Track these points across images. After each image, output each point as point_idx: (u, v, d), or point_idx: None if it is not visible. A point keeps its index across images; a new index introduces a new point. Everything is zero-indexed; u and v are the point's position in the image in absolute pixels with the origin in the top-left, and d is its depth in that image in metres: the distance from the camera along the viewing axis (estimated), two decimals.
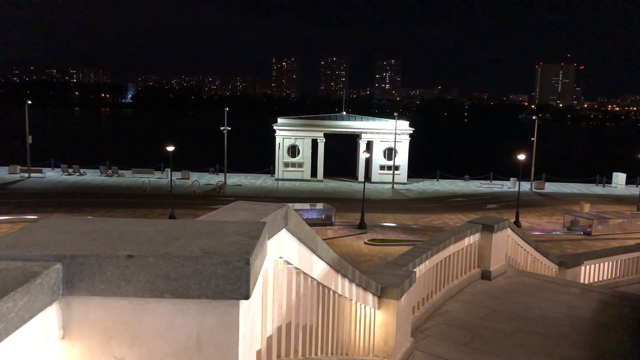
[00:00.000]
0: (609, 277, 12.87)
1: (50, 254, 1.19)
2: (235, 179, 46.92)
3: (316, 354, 3.47)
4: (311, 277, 3.20)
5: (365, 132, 48.55)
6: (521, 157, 37.37)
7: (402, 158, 48.15)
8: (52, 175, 46.18)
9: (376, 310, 5.29)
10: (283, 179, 46.88)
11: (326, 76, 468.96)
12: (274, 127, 48.69)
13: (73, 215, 30.24)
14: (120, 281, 1.19)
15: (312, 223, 26.96)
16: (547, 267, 11.02)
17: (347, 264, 4.13)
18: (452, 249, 7.32)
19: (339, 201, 37.04)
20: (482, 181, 50.68)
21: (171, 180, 33.82)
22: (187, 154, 55.46)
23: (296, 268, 2.85)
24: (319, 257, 3.31)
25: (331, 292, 3.84)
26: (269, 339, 2.37)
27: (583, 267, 12.01)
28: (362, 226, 30.13)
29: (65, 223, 1.48)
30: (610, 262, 12.93)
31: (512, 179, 48.07)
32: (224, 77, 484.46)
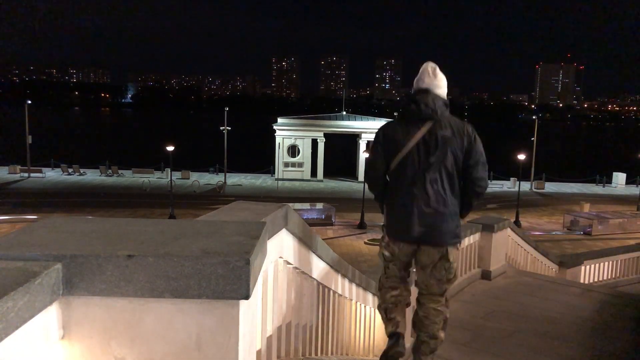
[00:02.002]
0: (609, 277, 12.87)
1: (50, 254, 1.19)
2: (235, 179, 46.91)
3: (316, 354, 3.47)
4: (311, 277, 3.20)
5: (365, 132, 48.51)
6: (521, 157, 37.34)
7: None
8: (52, 175, 46.17)
9: (376, 310, 5.28)
10: (283, 179, 46.87)
11: (326, 76, 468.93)
12: (274, 127, 48.68)
13: (73, 215, 30.23)
14: (120, 281, 1.19)
15: (312, 223, 26.95)
16: (547, 267, 11.02)
17: (347, 264, 4.13)
18: None
19: (339, 201, 37.03)
20: None
21: (171, 180, 33.81)
22: (187, 154, 55.45)
23: (296, 268, 2.85)
24: (319, 257, 3.32)
25: (331, 292, 3.84)
26: (269, 338, 2.37)
27: (583, 267, 12.01)
28: (362, 226, 30.14)
29: (65, 223, 1.48)
30: (610, 262, 12.93)
31: (511, 178, 48.01)
32: (224, 77, 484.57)
